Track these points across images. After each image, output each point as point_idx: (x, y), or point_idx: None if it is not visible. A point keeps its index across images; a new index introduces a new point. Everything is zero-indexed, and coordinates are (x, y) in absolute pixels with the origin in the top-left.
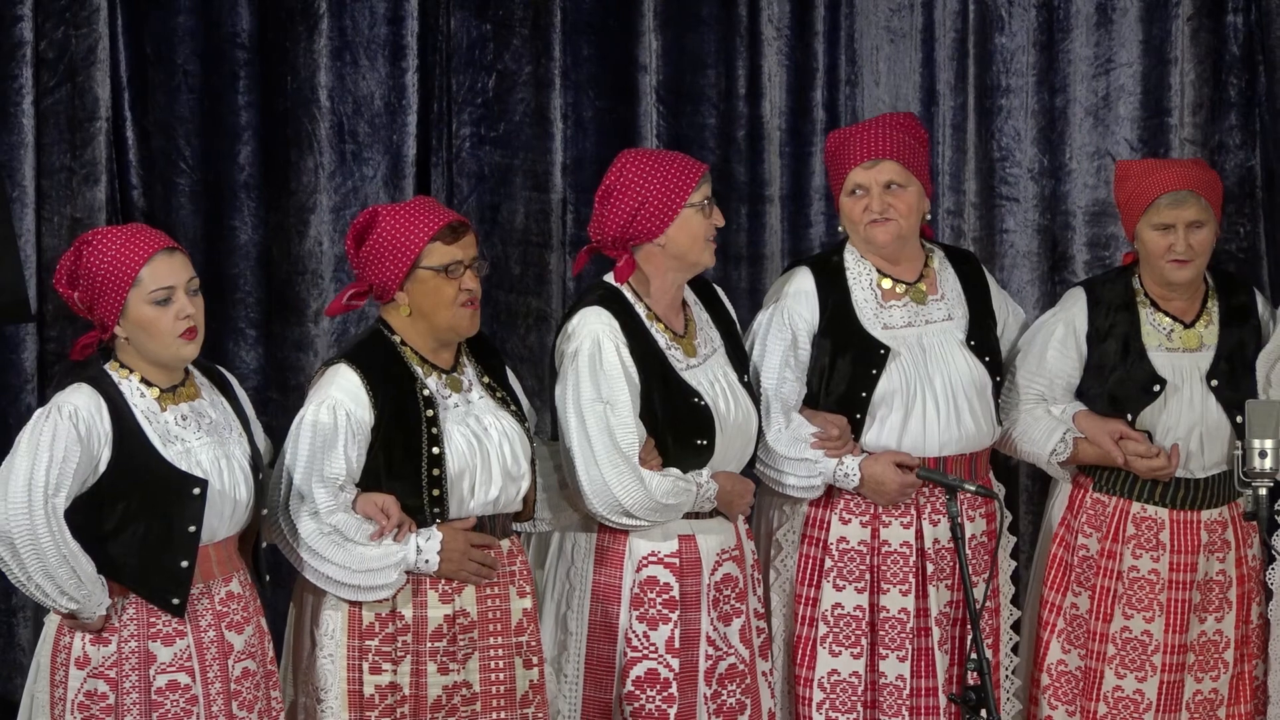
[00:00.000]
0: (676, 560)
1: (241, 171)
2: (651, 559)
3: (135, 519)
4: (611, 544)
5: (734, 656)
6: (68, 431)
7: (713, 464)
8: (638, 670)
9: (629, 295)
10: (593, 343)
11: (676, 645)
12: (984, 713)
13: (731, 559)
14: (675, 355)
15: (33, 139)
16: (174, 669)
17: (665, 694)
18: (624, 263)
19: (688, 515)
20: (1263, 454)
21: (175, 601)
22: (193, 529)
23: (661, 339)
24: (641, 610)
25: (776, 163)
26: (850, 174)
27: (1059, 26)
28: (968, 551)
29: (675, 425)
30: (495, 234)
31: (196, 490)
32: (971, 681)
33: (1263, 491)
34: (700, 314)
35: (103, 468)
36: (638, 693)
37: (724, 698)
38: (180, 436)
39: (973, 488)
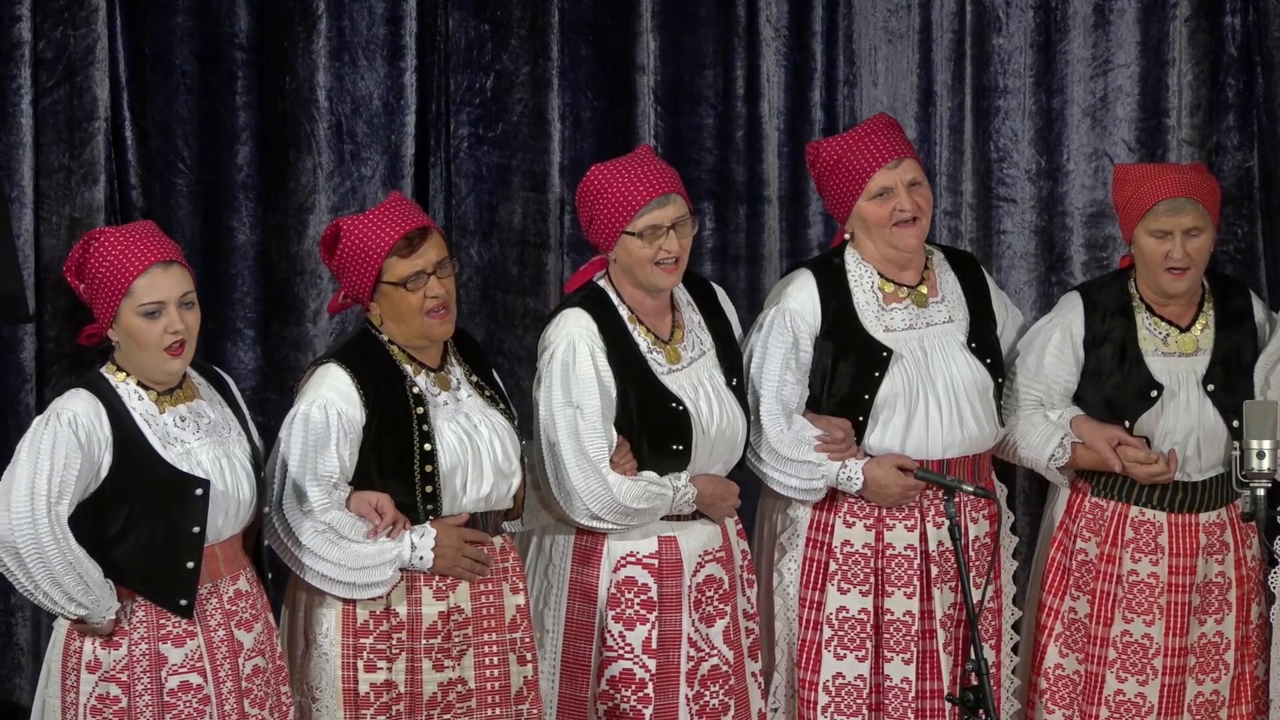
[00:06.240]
0: (656, 561)
1: (240, 172)
2: (630, 559)
3: (139, 522)
4: (590, 544)
5: (717, 658)
6: (68, 438)
7: (693, 467)
8: (613, 670)
9: (613, 296)
10: (567, 346)
11: (654, 646)
12: (982, 713)
13: (715, 560)
14: (656, 359)
15: (31, 139)
16: (185, 670)
17: (641, 694)
18: (588, 265)
19: (668, 517)
20: (1260, 455)
21: (183, 603)
22: (196, 530)
23: (643, 342)
24: (618, 610)
25: (774, 163)
26: (875, 176)
27: (1056, 27)
28: (971, 553)
29: (651, 429)
30: (493, 234)
31: (199, 491)
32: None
33: (1261, 492)
34: (691, 315)
35: (104, 473)
36: (612, 692)
37: (706, 699)
38: (180, 438)
39: (971, 488)
